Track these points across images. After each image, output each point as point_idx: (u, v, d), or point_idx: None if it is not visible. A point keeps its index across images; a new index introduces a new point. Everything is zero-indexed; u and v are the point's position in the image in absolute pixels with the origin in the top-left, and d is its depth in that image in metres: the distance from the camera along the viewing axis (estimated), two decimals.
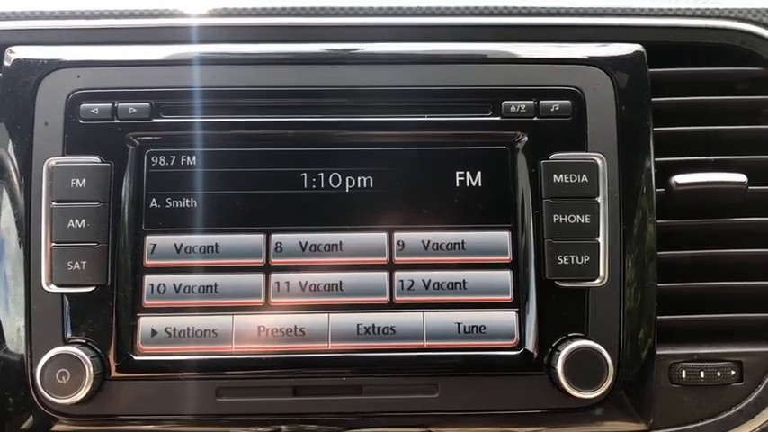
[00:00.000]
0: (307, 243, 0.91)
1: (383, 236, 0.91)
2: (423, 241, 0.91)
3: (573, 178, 0.91)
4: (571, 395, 0.86)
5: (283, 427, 0.89)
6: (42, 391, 0.85)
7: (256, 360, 0.89)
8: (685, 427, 0.91)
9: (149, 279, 0.90)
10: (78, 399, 0.85)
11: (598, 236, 0.90)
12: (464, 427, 0.89)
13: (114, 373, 0.88)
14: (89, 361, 0.85)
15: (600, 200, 0.90)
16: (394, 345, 0.89)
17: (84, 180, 0.90)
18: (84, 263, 0.89)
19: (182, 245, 0.91)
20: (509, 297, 0.90)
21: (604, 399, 0.87)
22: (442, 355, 0.89)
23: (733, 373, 0.92)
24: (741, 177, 0.93)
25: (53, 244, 0.89)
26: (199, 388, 0.88)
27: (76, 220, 0.90)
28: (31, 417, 0.88)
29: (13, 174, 0.91)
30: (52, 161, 0.90)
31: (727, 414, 0.92)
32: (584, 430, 0.89)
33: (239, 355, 0.89)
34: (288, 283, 0.91)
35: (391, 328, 0.90)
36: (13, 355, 0.89)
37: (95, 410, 0.87)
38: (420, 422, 0.90)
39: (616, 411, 0.89)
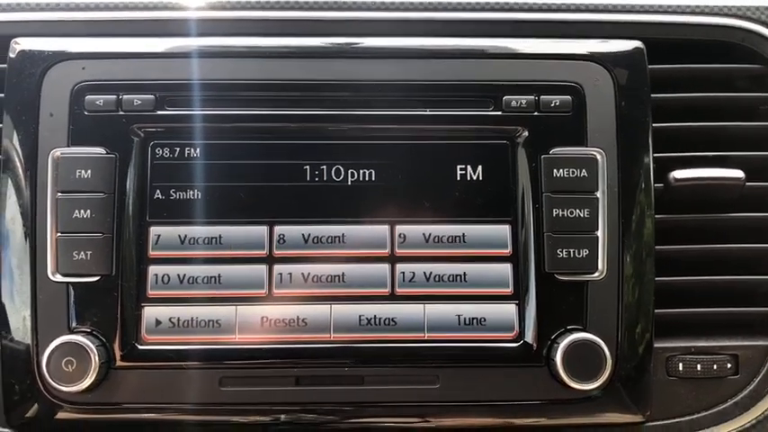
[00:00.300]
0: (309, 235, 0.92)
1: (385, 228, 0.92)
2: (424, 234, 0.92)
3: (572, 173, 0.92)
4: (570, 387, 0.87)
5: (285, 416, 0.90)
6: (48, 378, 0.87)
7: (259, 350, 0.90)
8: (682, 419, 0.93)
9: (154, 269, 0.91)
10: (84, 387, 0.86)
11: (597, 230, 0.91)
12: (464, 417, 0.91)
13: (119, 363, 0.89)
14: (94, 350, 0.87)
15: (599, 194, 0.91)
16: (395, 336, 0.90)
17: (89, 171, 0.91)
18: (89, 253, 0.90)
19: (186, 236, 0.92)
20: (509, 290, 0.91)
21: (602, 390, 0.88)
22: (443, 346, 0.90)
23: (729, 365, 0.93)
24: (739, 173, 0.94)
25: (58, 234, 0.90)
26: (203, 377, 0.89)
27: (82, 211, 0.91)
28: (37, 404, 0.90)
29: (19, 164, 0.92)
30: (57, 152, 0.91)
31: (723, 406, 0.93)
32: (582, 421, 0.90)
33: (242, 346, 0.90)
34: (290, 274, 0.92)
35: (392, 320, 0.91)
36: (19, 344, 0.90)
37: (100, 399, 0.88)
38: (421, 412, 0.91)
39: (614, 403, 0.90)
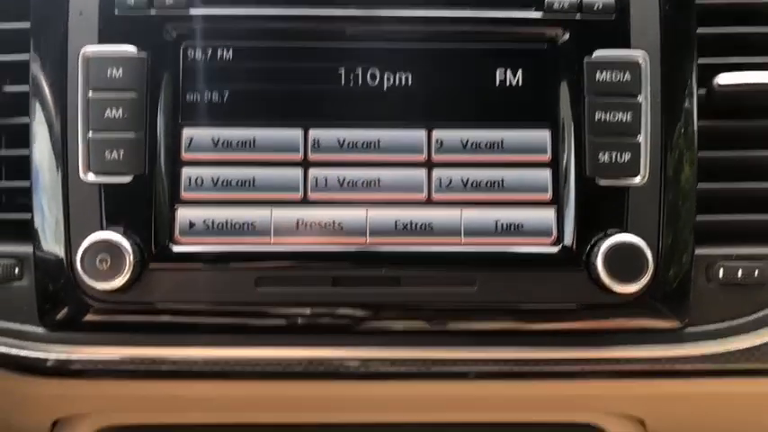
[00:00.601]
0: (345, 140, 0.90)
1: (421, 134, 0.91)
2: (461, 140, 0.91)
3: (615, 77, 0.89)
4: (609, 290, 0.86)
5: (322, 315, 0.89)
6: (82, 276, 0.85)
7: (295, 253, 0.89)
8: (721, 325, 0.91)
9: (187, 172, 0.90)
10: (118, 285, 0.85)
11: (639, 134, 0.89)
12: (501, 321, 0.90)
13: (153, 263, 0.88)
14: (128, 248, 0.85)
15: (642, 98, 0.89)
16: (432, 240, 0.89)
17: (120, 70, 0.89)
18: (121, 152, 0.88)
19: (219, 138, 0.90)
20: (548, 195, 0.90)
21: (642, 294, 0.87)
22: (480, 250, 0.89)
23: None
24: None
25: (90, 134, 0.88)
26: (238, 278, 0.88)
27: (113, 110, 0.89)
28: (71, 304, 0.89)
29: (49, 64, 0.90)
30: (88, 51, 0.89)
31: (763, 313, 0.92)
32: (621, 325, 0.90)
33: (278, 248, 0.89)
34: (326, 178, 0.90)
35: (429, 225, 0.89)
36: (52, 244, 0.89)
37: (135, 298, 0.87)
38: (458, 314, 0.90)
39: (653, 308, 0.90)
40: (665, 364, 0.90)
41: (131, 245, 0.86)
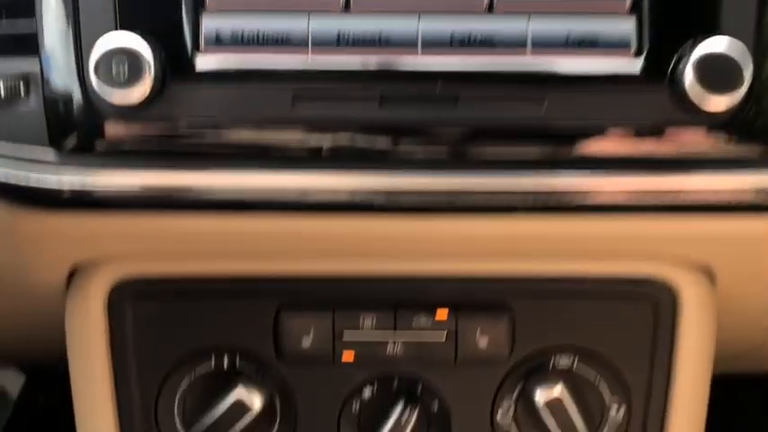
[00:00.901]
0: None
1: None
2: None
3: None
4: (697, 108, 0.75)
5: (368, 136, 0.79)
6: (97, 88, 0.75)
7: (336, 67, 0.78)
8: None
9: None
10: (137, 98, 0.75)
11: None
12: (572, 145, 0.79)
13: (175, 77, 0.77)
14: (148, 54, 0.75)
15: None
16: (494, 53, 0.78)
17: None
18: None
19: None
20: (627, 1, 0.78)
21: (734, 114, 0.76)
22: (549, 65, 0.78)
23: None
24: None
25: None
26: (272, 95, 0.78)
27: None
28: (86, 122, 0.78)
29: None
30: None
31: None
32: (706, 150, 0.79)
33: (317, 62, 0.78)
34: None
35: (490, 36, 0.78)
36: (62, 50, 0.78)
37: (156, 114, 0.77)
38: (524, 136, 0.79)
39: (746, 128, 0.78)
40: (753, 195, 0.80)
41: (151, 51, 0.75)
